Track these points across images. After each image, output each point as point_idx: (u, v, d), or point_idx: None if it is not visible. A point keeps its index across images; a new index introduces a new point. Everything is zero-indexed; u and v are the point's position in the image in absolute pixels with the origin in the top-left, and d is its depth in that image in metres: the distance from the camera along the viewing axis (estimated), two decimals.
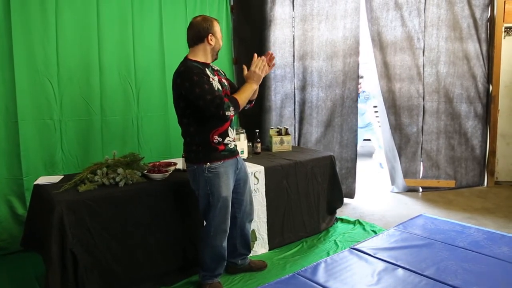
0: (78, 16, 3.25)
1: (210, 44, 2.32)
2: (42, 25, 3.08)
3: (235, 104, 2.23)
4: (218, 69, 2.48)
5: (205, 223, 2.46)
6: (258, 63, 2.36)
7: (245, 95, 2.32)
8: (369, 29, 4.53)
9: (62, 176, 2.67)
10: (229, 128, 2.38)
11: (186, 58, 2.34)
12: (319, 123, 4.55)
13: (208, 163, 2.28)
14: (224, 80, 2.42)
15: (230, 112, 2.20)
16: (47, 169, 3.18)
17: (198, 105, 2.18)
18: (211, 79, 2.26)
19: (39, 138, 3.13)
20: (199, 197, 2.38)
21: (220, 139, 2.32)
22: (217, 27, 2.34)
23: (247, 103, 2.39)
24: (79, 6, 3.25)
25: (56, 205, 2.14)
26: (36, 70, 3.07)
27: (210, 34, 2.30)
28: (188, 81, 2.18)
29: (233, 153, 2.42)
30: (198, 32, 2.29)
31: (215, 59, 2.42)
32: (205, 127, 2.29)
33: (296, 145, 4.57)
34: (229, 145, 2.37)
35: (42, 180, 2.58)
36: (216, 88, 2.25)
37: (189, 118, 2.28)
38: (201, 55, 2.33)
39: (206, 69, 2.30)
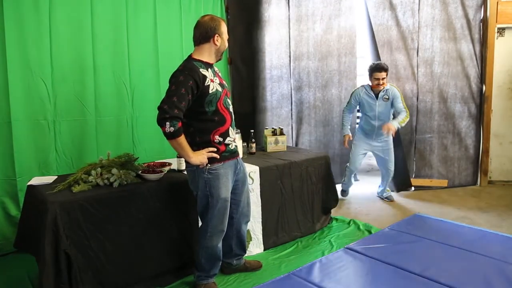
0: (72, 16, 3.23)
1: (216, 45, 2.30)
2: (36, 25, 3.06)
3: (174, 133, 2.11)
4: (218, 70, 2.47)
5: (200, 223, 2.45)
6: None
7: (180, 147, 2.19)
8: (368, 28, 4.57)
9: (56, 177, 2.66)
10: (230, 128, 2.36)
11: (189, 57, 2.32)
12: (318, 123, 4.57)
13: (209, 165, 2.27)
14: (224, 82, 2.41)
15: (166, 128, 2.10)
16: (40, 169, 3.16)
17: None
18: (210, 81, 2.24)
19: (33, 138, 3.11)
20: (197, 198, 2.37)
21: (221, 139, 2.31)
22: (224, 28, 2.33)
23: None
24: (72, 5, 3.23)
25: (49, 206, 2.13)
26: (29, 70, 3.05)
27: (217, 35, 2.29)
28: (175, 77, 2.19)
29: (233, 154, 2.41)
30: (205, 32, 2.27)
31: (219, 59, 2.41)
32: (205, 127, 2.28)
33: (294, 145, 4.59)
34: (230, 146, 2.36)
35: (36, 180, 2.56)
36: (214, 90, 2.24)
37: (189, 118, 2.26)
38: (206, 55, 2.31)
39: (209, 69, 2.29)
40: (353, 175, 4.36)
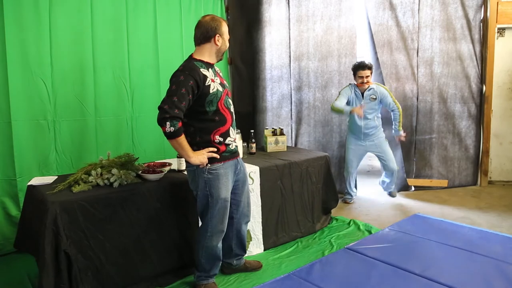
0: (72, 16, 3.24)
1: (217, 45, 2.31)
2: (36, 25, 3.06)
3: (174, 133, 2.12)
4: (219, 70, 2.47)
5: (200, 223, 2.45)
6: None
7: (181, 147, 2.18)
8: (368, 29, 4.56)
9: (56, 177, 2.66)
10: (231, 128, 2.36)
11: (190, 57, 2.32)
12: (317, 123, 4.57)
13: (209, 164, 2.27)
14: (225, 82, 2.41)
15: (166, 128, 2.10)
16: (40, 169, 3.16)
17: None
18: (211, 81, 2.24)
19: (33, 138, 3.11)
20: (197, 198, 2.37)
21: (222, 139, 2.31)
22: (225, 28, 2.33)
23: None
24: (73, 5, 3.23)
25: (49, 206, 2.13)
26: (29, 71, 3.05)
27: (218, 35, 2.29)
28: (175, 77, 2.19)
29: (234, 154, 2.41)
30: (205, 32, 2.27)
31: (220, 59, 2.41)
32: (206, 127, 2.28)
33: (293, 145, 4.58)
34: (230, 146, 2.36)
35: (36, 180, 2.56)
36: (215, 90, 2.24)
37: (189, 118, 2.26)
38: (207, 55, 2.32)
39: (210, 69, 2.29)
40: (352, 179, 4.27)
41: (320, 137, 4.60)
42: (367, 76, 3.91)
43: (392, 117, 4.10)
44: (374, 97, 3.97)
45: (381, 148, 4.13)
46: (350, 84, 4.13)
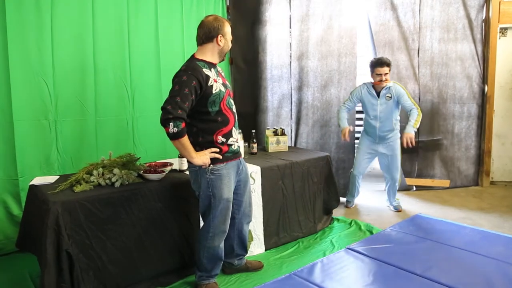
0: (74, 17, 3.24)
1: (219, 45, 2.30)
2: (38, 26, 3.06)
3: (177, 133, 2.10)
4: (221, 70, 2.47)
5: (202, 223, 2.45)
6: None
7: (183, 148, 2.17)
8: (368, 29, 4.56)
9: (58, 177, 2.66)
10: (233, 128, 2.36)
11: (192, 57, 2.32)
12: (316, 123, 4.56)
13: (211, 165, 2.27)
14: (227, 82, 2.41)
15: (169, 129, 2.09)
16: (42, 169, 3.16)
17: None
18: (213, 81, 2.24)
19: (34, 138, 3.12)
20: (199, 198, 2.37)
21: (224, 140, 2.31)
22: (227, 28, 2.33)
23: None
24: (74, 6, 3.24)
25: (51, 206, 2.13)
26: (31, 71, 3.06)
27: (220, 35, 2.29)
28: (178, 77, 2.18)
29: (236, 154, 2.41)
30: (208, 32, 2.27)
31: (222, 60, 2.41)
32: (208, 127, 2.28)
33: (293, 145, 4.58)
34: (233, 146, 2.36)
35: (38, 180, 2.56)
36: (218, 90, 2.24)
37: (192, 118, 2.26)
38: (209, 55, 2.31)
39: (212, 69, 2.29)
40: (358, 182, 4.04)
41: (318, 138, 4.59)
42: (385, 74, 3.62)
43: (410, 115, 3.69)
44: (390, 96, 3.67)
45: (392, 157, 3.84)
46: (364, 83, 3.86)
